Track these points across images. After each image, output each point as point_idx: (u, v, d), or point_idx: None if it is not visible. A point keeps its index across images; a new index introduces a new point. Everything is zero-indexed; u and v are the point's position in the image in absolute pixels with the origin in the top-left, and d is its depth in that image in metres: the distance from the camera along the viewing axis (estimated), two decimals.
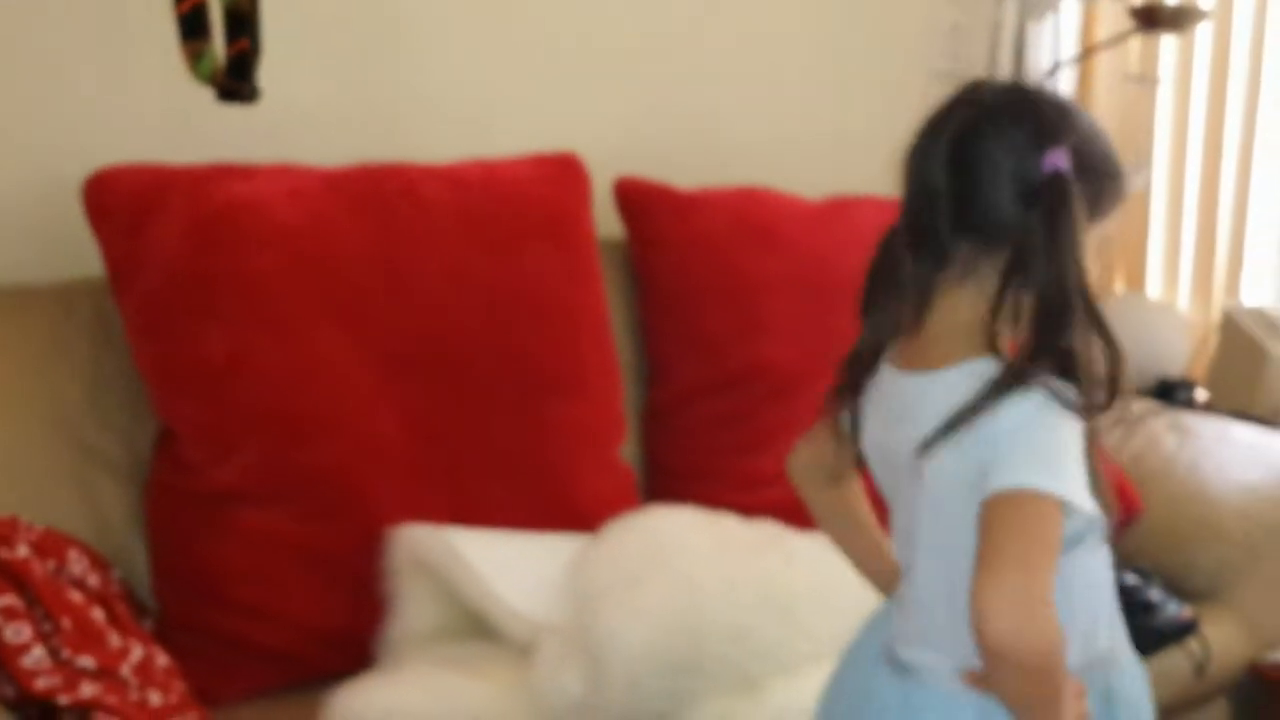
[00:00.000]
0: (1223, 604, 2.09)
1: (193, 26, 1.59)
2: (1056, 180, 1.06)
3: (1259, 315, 2.58)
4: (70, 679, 1.42)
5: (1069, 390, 1.06)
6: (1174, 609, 1.97)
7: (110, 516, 1.76)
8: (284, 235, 1.77)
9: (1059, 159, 1.07)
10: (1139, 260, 2.84)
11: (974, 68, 2.54)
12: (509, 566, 1.71)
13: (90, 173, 1.74)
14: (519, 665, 1.60)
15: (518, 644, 1.64)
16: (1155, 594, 1.98)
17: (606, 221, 2.10)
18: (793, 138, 2.50)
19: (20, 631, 1.42)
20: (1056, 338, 1.06)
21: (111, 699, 1.43)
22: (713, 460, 2.08)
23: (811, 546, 1.65)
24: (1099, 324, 1.07)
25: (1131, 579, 1.97)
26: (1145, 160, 2.73)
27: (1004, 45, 2.60)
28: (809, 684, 1.34)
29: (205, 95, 1.64)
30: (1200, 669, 1.98)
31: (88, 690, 1.42)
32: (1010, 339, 1.10)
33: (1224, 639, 2.04)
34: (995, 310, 1.09)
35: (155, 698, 1.48)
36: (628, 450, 2.05)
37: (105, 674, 1.45)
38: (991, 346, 1.09)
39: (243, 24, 1.60)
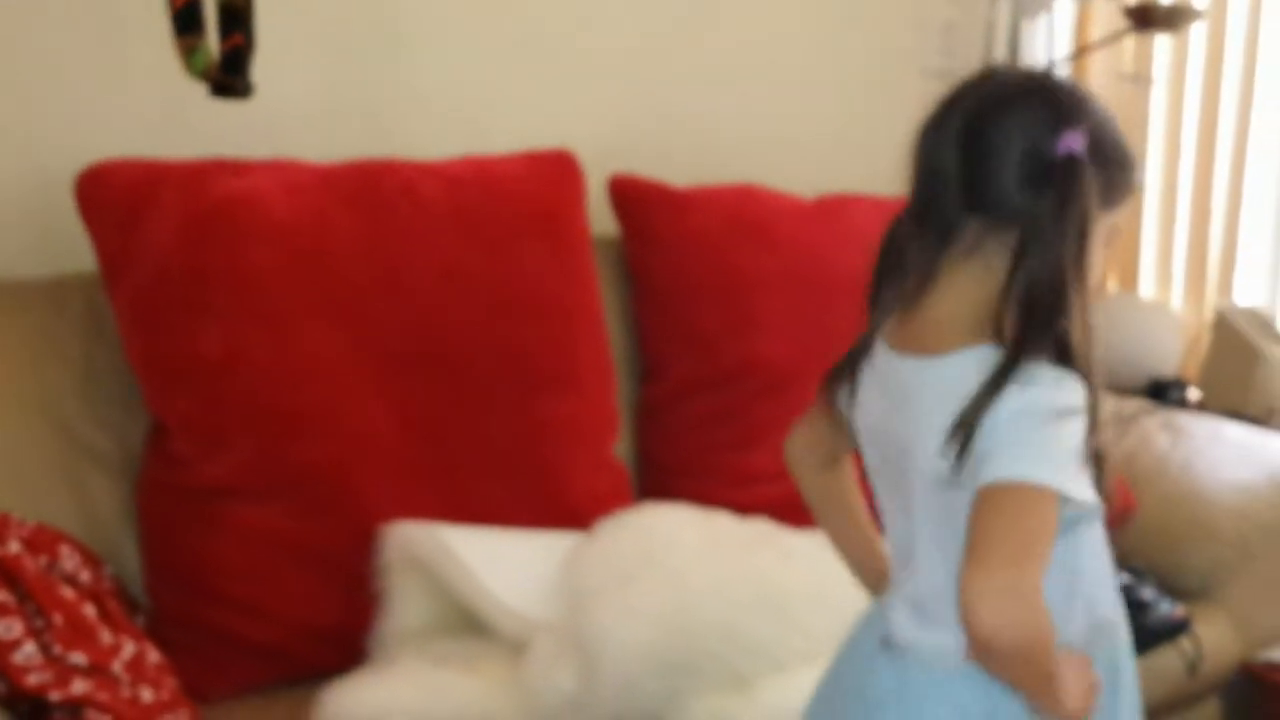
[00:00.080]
0: (1215, 603, 2.09)
1: (187, 22, 1.59)
2: (1070, 162, 1.06)
3: (1252, 315, 2.59)
4: (62, 675, 1.42)
5: (1067, 376, 1.06)
6: (1166, 608, 1.98)
7: (102, 512, 1.76)
8: (278, 231, 1.77)
9: (1074, 141, 1.07)
10: (1132, 259, 2.84)
11: (968, 66, 2.53)
12: (502, 563, 1.71)
13: (84, 167, 1.74)
14: (511, 662, 1.60)
15: (510, 641, 1.64)
16: (1148, 593, 1.98)
17: (601, 219, 2.10)
18: (787, 135, 2.50)
19: (11, 628, 1.42)
20: (1052, 322, 1.06)
21: (103, 695, 1.42)
22: (707, 457, 2.08)
23: (806, 544, 1.65)
24: (1084, 309, 1.07)
25: (1124, 578, 1.97)
26: (1139, 159, 2.73)
27: (998, 44, 2.61)
28: (801, 682, 1.34)
29: (199, 91, 1.64)
30: (1192, 668, 1.99)
31: (79, 687, 1.42)
32: (1014, 324, 1.10)
33: (1216, 638, 2.04)
34: (1006, 292, 1.08)
35: (147, 694, 1.48)
36: (622, 447, 2.05)
37: (97, 670, 1.45)
38: (998, 332, 1.09)
39: (237, 19, 1.60)
